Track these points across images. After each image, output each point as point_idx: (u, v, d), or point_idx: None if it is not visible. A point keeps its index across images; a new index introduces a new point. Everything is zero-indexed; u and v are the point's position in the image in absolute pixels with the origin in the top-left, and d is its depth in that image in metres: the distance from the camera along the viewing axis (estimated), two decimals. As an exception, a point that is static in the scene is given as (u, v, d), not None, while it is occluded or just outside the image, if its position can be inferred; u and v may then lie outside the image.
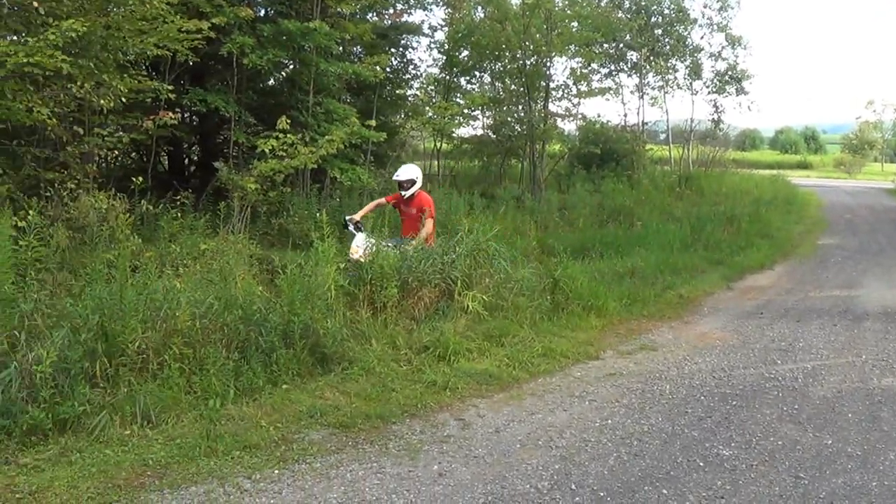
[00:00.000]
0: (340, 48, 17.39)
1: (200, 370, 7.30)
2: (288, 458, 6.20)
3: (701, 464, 6.23)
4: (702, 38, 34.48)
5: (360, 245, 10.07)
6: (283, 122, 12.82)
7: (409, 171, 10.93)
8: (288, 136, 12.90)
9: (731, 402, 7.72)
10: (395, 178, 10.99)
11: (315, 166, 14.53)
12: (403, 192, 10.76)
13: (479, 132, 28.05)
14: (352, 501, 5.49)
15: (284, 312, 8.11)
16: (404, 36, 23.41)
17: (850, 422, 7.22)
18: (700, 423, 7.17)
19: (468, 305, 9.63)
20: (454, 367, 8.30)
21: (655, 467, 6.15)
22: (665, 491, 5.73)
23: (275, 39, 15.42)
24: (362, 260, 9.61)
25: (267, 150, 12.83)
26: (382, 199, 11.32)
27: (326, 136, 14.05)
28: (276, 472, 5.94)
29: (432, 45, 25.50)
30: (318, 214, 12.95)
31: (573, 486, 5.78)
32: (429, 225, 10.59)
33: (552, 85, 24.87)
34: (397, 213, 11.26)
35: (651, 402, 7.68)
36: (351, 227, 10.65)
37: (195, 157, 20.20)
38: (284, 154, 12.91)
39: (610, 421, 7.14)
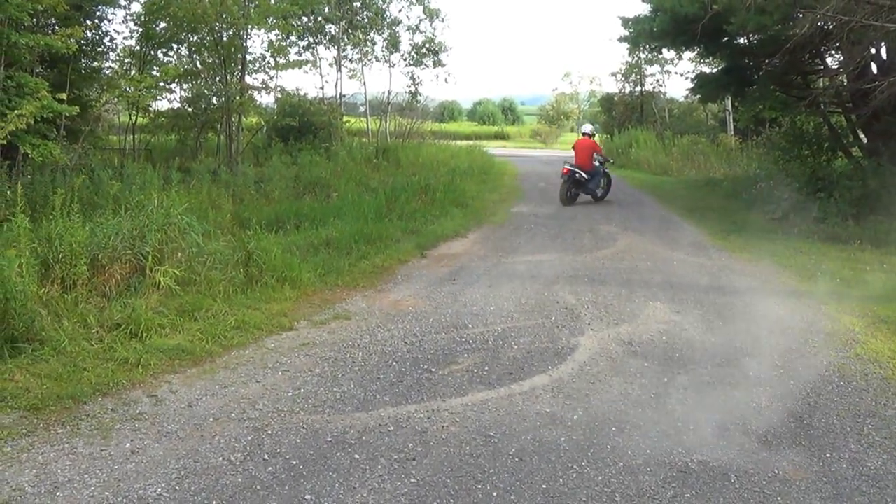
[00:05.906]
0: (34, 20, 16.58)
1: None
2: (-25, 443, 5.93)
3: (392, 428, 6.43)
4: (400, 10, 35.14)
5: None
6: (-31, 98, 11.99)
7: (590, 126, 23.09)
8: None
9: (422, 367, 7.97)
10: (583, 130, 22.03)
11: (4, 142, 13.83)
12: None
13: (176, 105, 27.48)
14: (44, 484, 5.34)
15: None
16: (100, 7, 22.51)
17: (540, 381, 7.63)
18: (392, 388, 7.37)
19: (160, 281, 9.49)
20: (146, 343, 8.15)
21: (347, 433, 6.29)
22: (357, 456, 5.88)
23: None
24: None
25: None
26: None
27: (16, 111, 13.33)
28: (-35, 458, 5.67)
29: (128, 17, 24.74)
30: (8, 192, 12.41)
31: (266, 457, 5.84)
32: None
33: (249, 57, 24.63)
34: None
35: (343, 370, 7.82)
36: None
37: None
38: (-29, 131, 12.04)
39: (302, 390, 7.24)
